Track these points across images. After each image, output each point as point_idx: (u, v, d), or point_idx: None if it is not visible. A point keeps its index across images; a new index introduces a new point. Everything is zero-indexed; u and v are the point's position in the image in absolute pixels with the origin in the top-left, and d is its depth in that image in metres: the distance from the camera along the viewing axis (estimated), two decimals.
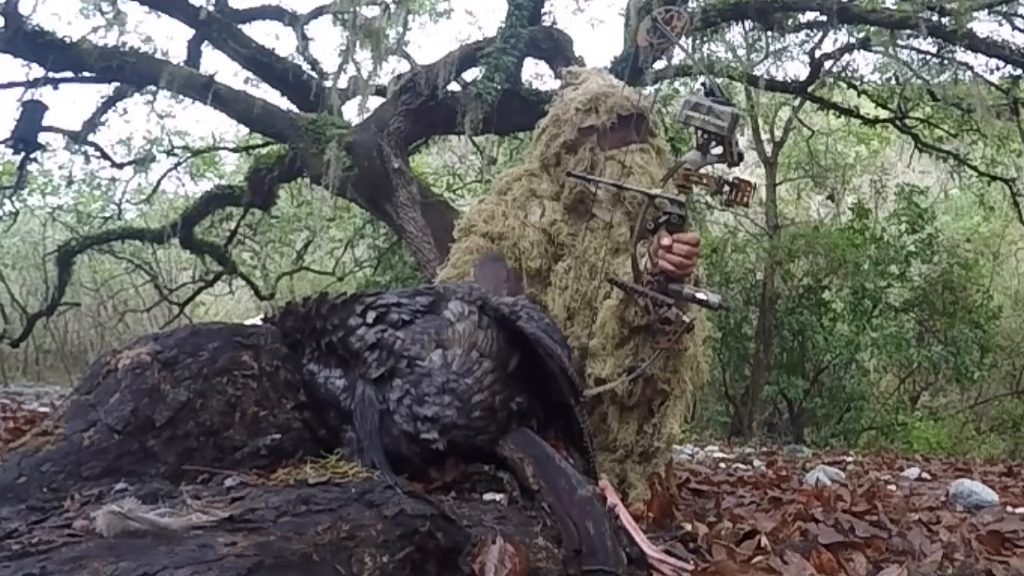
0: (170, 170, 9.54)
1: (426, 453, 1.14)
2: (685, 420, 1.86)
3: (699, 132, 1.53)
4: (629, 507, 1.52)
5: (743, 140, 9.65)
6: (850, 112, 8.24)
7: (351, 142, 5.42)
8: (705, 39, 6.60)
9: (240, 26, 6.53)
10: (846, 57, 7.71)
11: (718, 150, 1.54)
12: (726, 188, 1.53)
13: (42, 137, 7.11)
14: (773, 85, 7.75)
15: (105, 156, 8.32)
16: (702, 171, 1.55)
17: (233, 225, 8.91)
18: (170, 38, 20.40)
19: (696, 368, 1.80)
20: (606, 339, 1.75)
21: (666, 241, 1.54)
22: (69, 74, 6.18)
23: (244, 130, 7.91)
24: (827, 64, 7.63)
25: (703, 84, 1.57)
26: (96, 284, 12.22)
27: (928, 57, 6.98)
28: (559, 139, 1.90)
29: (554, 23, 5.96)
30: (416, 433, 1.13)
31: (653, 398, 1.75)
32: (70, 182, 9.89)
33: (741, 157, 1.56)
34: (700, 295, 1.56)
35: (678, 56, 6.16)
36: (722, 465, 3.46)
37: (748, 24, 6.58)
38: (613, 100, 1.86)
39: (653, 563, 1.13)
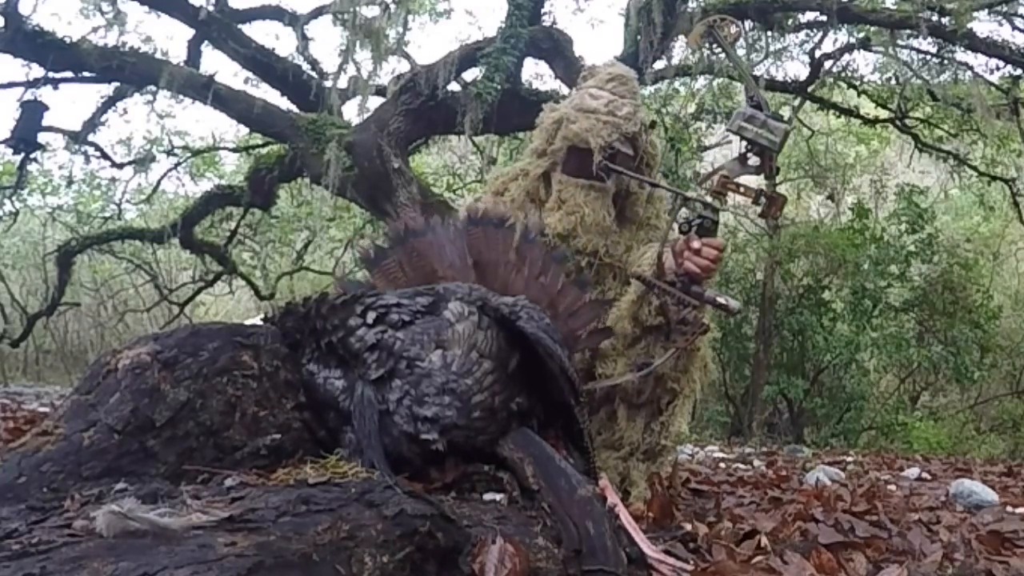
0: (170, 170, 9.54)
1: (426, 453, 1.14)
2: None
3: (745, 143, 1.56)
4: (630, 506, 1.52)
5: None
6: (850, 112, 8.24)
7: (351, 142, 5.42)
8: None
9: (240, 26, 6.53)
10: (846, 57, 7.72)
11: (755, 161, 1.57)
12: (763, 200, 1.57)
13: (42, 137, 7.11)
14: (773, 85, 7.74)
15: (105, 156, 8.32)
16: (739, 180, 1.57)
17: (233, 225, 8.90)
18: (170, 38, 20.39)
19: (704, 368, 1.81)
20: (617, 339, 1.75)
21: (696, 244, 1.56)
22: (69, 74, 6.18)
23: (244, 130, 7.91)
24: (827, 64, 7.63)
25: (751, 97, 1.60)
26: (96, 284, 12.21)
27: (928, 57, 6.99)
28: (540, 140, 1.91)
29: (554, 23, 5.96)
30: (416, 433, 1.13)
31: (662, 396, 1.76)
32: (70, 182, 9.89)
33: (778, 171, 1.59)
34: (721, 299, 1.58)
35: (682, 56, 6.19)
36: (722, 465, 3.46)
37: (748, 24, 6.58)
38: (572, 130, 1.84)
39: (653, 563, 1.13)
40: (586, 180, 1.82)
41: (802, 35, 7.37)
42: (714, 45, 1.65)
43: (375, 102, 6.27)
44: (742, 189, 1.57)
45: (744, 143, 1.57)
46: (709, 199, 1.59)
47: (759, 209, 1.59)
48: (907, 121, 8.19)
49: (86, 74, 6.19)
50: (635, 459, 1.75)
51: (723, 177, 1.57)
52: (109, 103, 7.29)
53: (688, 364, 1.75)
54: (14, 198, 8.69)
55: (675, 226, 1.67)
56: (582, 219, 1.80)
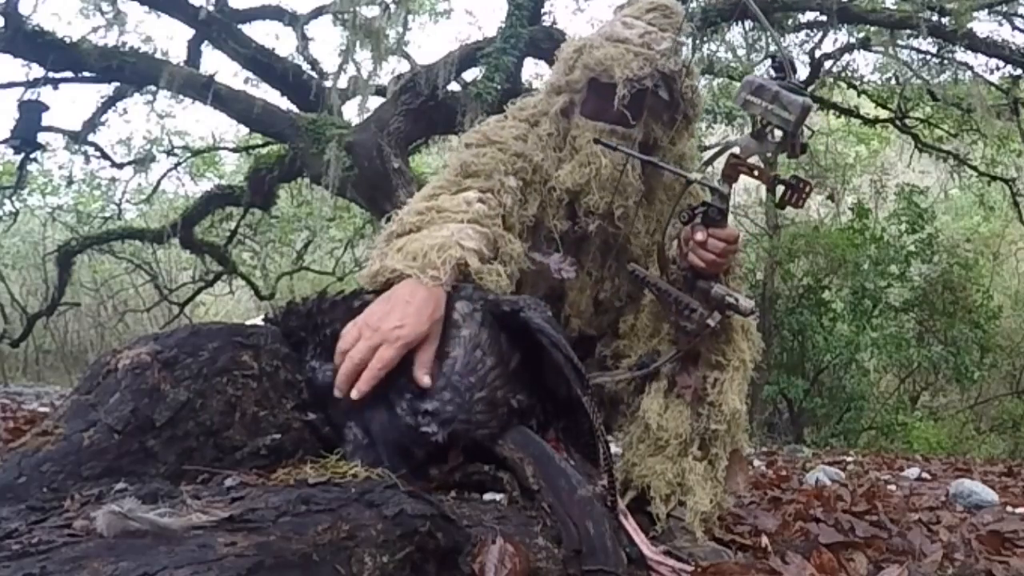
0: (170, 170, 9.58)
1: (428, 447, 1.15)
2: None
3: (759, 119, 1.28)
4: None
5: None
6: (850, 112, 8.25)
7: (351, 142, 5.42)
8: (705, 39, 6.61)
9: (240, 26, 6.54)
10: (846, 57, 7.73)
11: (778, 137, 1.30)
12: (780, 187, 1.31)
13: (42, 137, 7.12)
14: None
15: (105, 156, 8.35)
16: (753, 161, 1.32)
17: (233, 225, 8.91)
18: (170, 38, 20.43)
19: (747, 334, 1.51)
20: (642, 330, 1.55)
21: (700, 236, 1.32)
22: (69, 74, 6.19)
23: (244, 130, 7.92)
24: (827, 64, 7.64)
25: (773, 58, 1.38)
26: (96, 284, 12.22)
27: (928, 57, 7.00)
28: (558, 72, 1.56)
29: (554, 23, 5.96)
30: (417, 427, 1.14)
31: (707, 375, 1.47)
32: (70, 182, 9.92)
33: (804, 149, 1.30)
34: (730, 298, 1.36)
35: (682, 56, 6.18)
36: None
37: (748, 24, 6.58)
38: (595, 56, 1.48)
39: (652, 564, 1.13)
40: (607, 124, 1.48)
41: (802, 35, 7.38)
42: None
43: (375, 102, 6.28)
44: (756, 172, 1.31)
45: (758, 119, 1.28)
46: (716, 183, 1.34)
47: (776, 198, 1.33)
48: (907, 121, 8.20)
49: (86, 74, 6.20)
50: (690, 458, 1.45)
51: (734, 157, 1.31)
52: (109, 103, 7.31)
53: (730, 334, 1.47)
54: (14, 198, 8.71)
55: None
56: (597, 172, 1.46)
